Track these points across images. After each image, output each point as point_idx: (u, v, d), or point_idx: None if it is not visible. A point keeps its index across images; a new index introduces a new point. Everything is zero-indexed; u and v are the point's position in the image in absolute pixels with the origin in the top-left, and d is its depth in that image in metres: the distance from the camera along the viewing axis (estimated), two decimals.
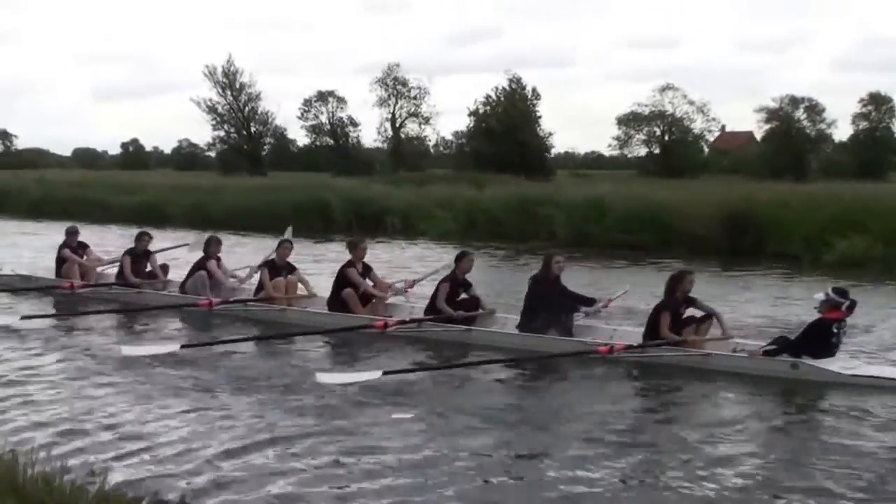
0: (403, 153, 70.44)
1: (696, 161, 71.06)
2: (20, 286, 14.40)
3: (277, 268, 12.95)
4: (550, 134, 51.83)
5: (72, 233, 15.08)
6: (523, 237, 26.39)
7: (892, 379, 9.09)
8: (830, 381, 9.09)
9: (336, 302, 12.08)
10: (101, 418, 7.76)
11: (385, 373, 8.98)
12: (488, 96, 52.67)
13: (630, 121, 73.87)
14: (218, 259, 13.68)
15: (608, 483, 6.46)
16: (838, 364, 9.34)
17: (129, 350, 9.89)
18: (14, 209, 37.58)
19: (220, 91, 75.22)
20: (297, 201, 31.23)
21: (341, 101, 79.30)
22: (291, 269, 13.06)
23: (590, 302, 11.30)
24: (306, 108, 79.09)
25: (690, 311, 10.44)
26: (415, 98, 77.12)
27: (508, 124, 48.84)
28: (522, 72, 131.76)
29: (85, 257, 14.99)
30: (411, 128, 78.52)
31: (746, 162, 67.67)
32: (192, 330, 12.14)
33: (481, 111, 52.39)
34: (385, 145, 78.24)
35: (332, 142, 79.30)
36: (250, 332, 11.60)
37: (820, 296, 9.51)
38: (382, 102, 76.94)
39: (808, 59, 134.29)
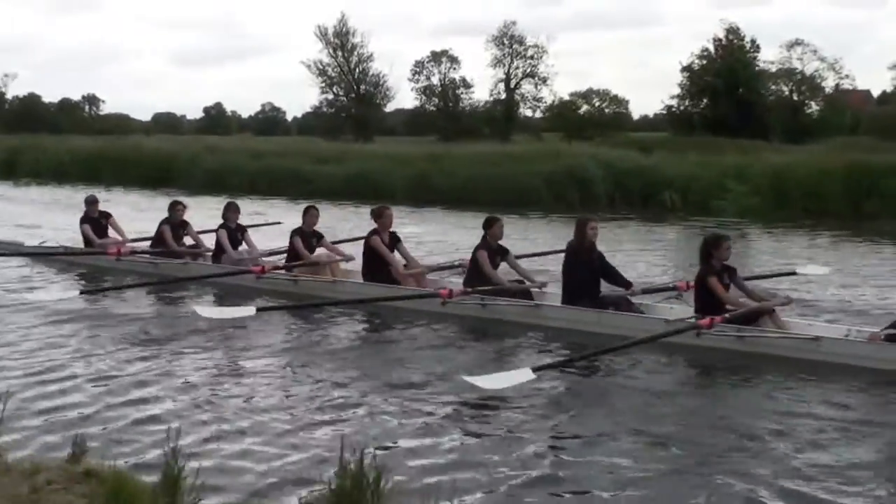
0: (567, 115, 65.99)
1: (836, 123, 65.36)
2: (65, 257, 14.09)
3: (307, 235, 12.26)
4: (776, 92, 46.39)
5: (91, 202, 14.47)
6: (858, 214, 21.92)
7: None
8: None
9: (370, 273, 11.40)
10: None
11: (534, 369, 7.37)
12: (705, 50, 47.52)
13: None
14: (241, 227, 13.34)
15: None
16: None
17: (205, 311, 9.58)
18: (185, 182, 33.31)
19: (332, 52, 71.41)
20: (544, 171, 26.59)
21: (454, 60, 75.31)
22: (319, 236, 12.44)
23: (626, 285, 9.95)
24: (418, 70, 75.13)
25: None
26: (531, 58, 73.55)
27: (731, 80, 43.63)
28: (606, 33, 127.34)
29: (109, 227, 14.41)
30: (527, 89, 74.84)
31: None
32: (240, 298, 11.30)
33: (697, 66, 47.21)
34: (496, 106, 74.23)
35: (441, 104, 75.15)
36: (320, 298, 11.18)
37: None
38: (497, 62, 73.13)
39: None
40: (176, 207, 13.94)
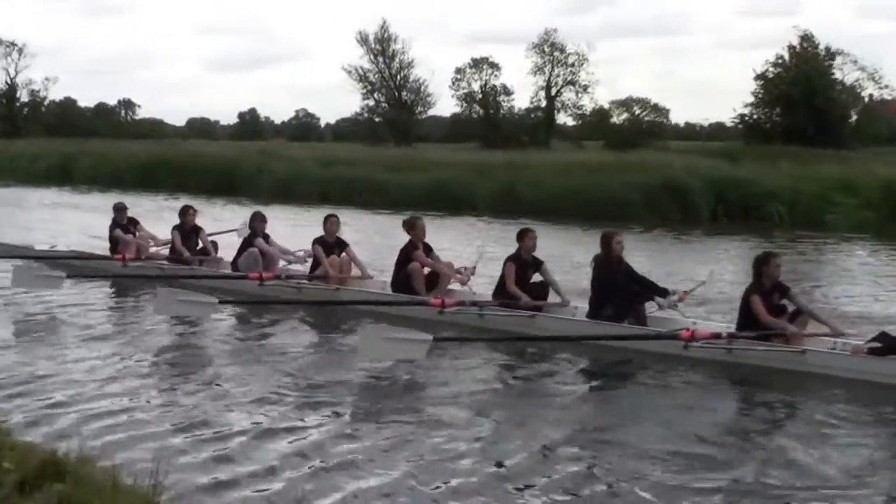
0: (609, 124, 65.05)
1: (872, 132, 63.74)
2: (75, 262, 14.14)
3: (329, 245, 12.17)
4: (857, 98, 45.10)
5: (120, 209, 14.55)
6: None
7: None
8: None
9: (399, 282, 11.34)
10: None
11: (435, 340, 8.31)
12: (780, 57, 46.30)
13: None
14: (266, 236, 13.22)
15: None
16: None
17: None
18: (251, 190, 32.34)
19: (373, 58, 70.76)
20: (640, 183, 25.46)
21: (495, 67, 74.51)
22: (343, 245, 12.33)
23: (662, 292, 9.81)
24: (459, 77, 74.39)
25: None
26: (572, 65, 72.94)
27: (808, 89, 42.45)
28: (634, 41, 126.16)
29: (137, 234, 14.45)
30: (568, 97, 74.11)
31: None
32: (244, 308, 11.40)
33: (771, 74, 45.98)
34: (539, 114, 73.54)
35: (482, 111, 74.32)
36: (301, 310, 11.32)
37: None
38: (537, 70, 72.66)
39: None
40: (188, 212, 13.96)
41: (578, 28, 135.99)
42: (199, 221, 14.30)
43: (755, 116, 47.00)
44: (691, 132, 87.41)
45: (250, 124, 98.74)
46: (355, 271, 12.23)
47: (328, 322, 10.84)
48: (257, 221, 13.19)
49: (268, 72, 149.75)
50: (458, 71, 74.29)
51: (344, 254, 12.24)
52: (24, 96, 79.66)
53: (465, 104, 75.06)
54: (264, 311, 11.24)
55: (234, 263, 13.11)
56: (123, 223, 14.40)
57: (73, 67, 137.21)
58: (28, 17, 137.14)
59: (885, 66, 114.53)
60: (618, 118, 76.30)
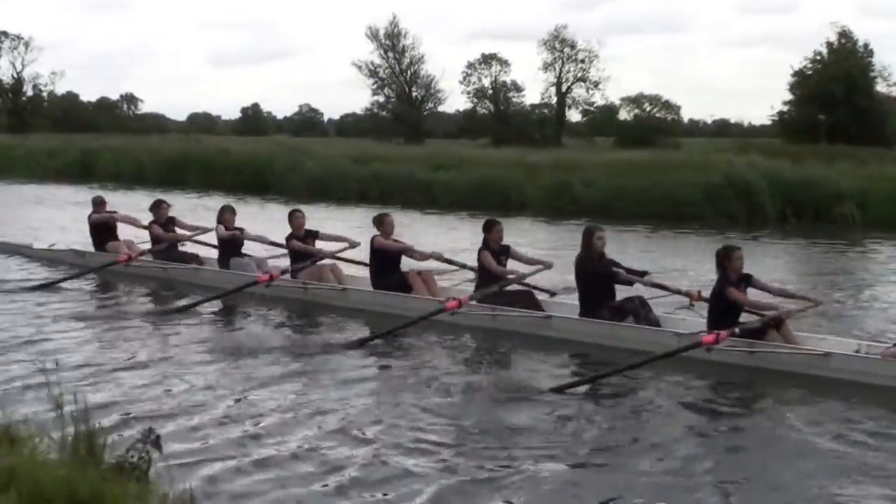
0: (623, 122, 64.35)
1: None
2: (73, 261, 14.31)
3: (303, 238, 12.22)
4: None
5: (99, 203, 14.59)
6: None
7: None
8: None
9: (380, 279, 11.44)
10: None
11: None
12: (818, 54, 45.27)
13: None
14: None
15: None
16: None
17: None
18: (283, 189, 31.27)
19: (383, 53, 69.64)
20: (702, 182, 24.49)
21: (504, 63, 73.65)
22: (315, 234, 12.43)
23: (641, 274, 9.95)
24: (469, 72, 73.41)
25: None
26: (583, 62, 72.28)
27: (849, 86, 41.53)
28: (634, 38, 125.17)
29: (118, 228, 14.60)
30: (578, 93, 73.43)
31: None
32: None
33: (809, 71, 44.98)
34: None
35: (493, 107, 73.46)
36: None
37: None
38: (548, 66, 71.81)
39: None
40: (161, 206, 13.91)
41: (579, 26, 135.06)
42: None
43: (793, 114, 45.92)
44: (694, 128, 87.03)
45: (253, 119, 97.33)
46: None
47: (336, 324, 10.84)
48: (227, 214, 13.28)
49: (269, 67, 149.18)
50: (469, 66, 73.51)
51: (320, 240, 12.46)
52: (29, 90, 78.55)
53: (475, 100, 74.17)
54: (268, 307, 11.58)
55: (222, 261, 13.14)
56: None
57: (73, 62, 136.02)
58: (29, 11, 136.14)
59: (888, 64, 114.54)
60: (628, 115, 75.77)
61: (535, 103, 74.91)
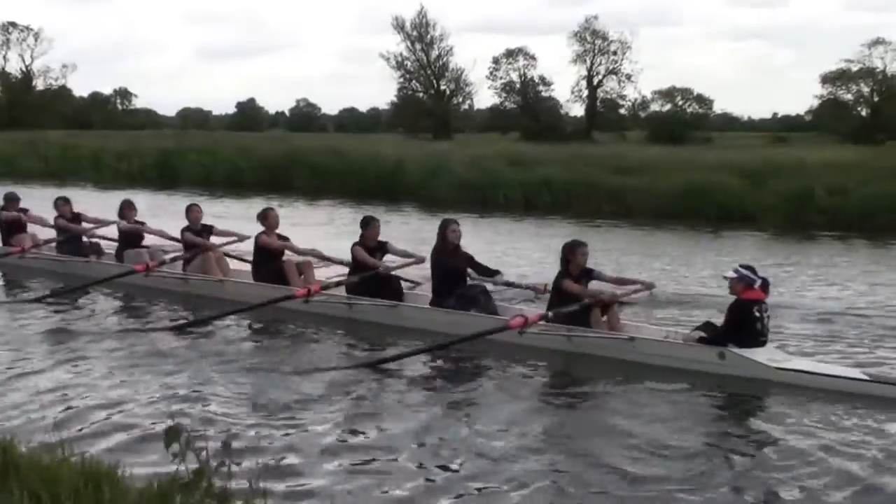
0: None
1: None
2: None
3: (198, 232, 12.62)
4: None
5: (11, 199, 14.88)
6: None
7: (826, 375, 7.91)
8: (758, 375, 8.02)
9: (259, 271, 11.81)
10: None
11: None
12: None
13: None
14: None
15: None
16: (765, 355, 8.22)
17: None
18: (423, 196, 26.92)
19: (409, 45, 65.67)
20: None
21: (531, 58, 70.33)
22: (210, 229, 12.79)
23: (492, 273, 10.44)
24: (496, 67, 69.80)
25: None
26: (615, 53, 69.78)
27: None
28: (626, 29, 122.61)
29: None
30: (610, 87, 70.41)
31: None
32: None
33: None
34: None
35: (521, 102, 70.12)
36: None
37: (730, 273, 8.51)
38: (578, 58, 69.52)
39: None
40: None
41: (570, 20, 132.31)
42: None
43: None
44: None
45: (249, 114, 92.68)
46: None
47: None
48: (126, 210, 13.50)
49: (262, 61, 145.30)
50: (495, 61, 70.10)
51: (215, 235, 12.74)
52: (39, 84, 73.91)
53: (504, 94, 70.55)
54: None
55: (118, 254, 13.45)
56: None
57: (61, 56, 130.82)
58: (17, 4, 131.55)
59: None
60: (661, 108, 72.55)
61: (566, 98, 72.29)
